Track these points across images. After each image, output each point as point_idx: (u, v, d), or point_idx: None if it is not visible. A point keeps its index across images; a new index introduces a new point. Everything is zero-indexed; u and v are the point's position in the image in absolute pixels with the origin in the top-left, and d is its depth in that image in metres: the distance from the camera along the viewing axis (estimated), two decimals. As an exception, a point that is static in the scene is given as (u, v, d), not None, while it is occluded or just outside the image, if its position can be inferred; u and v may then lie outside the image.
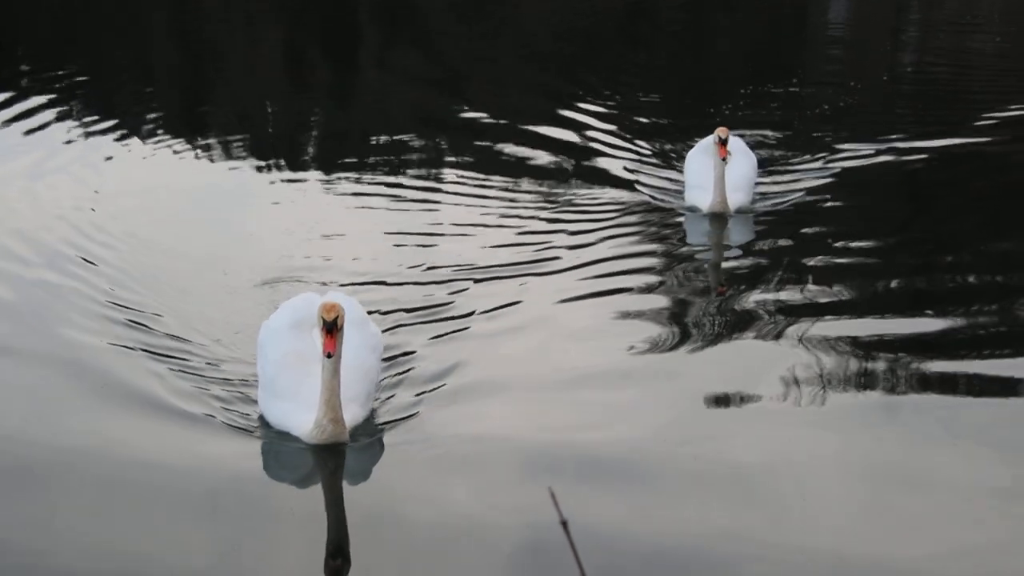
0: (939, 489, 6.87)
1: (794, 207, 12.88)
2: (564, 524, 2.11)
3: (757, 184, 13.09)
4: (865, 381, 8.26)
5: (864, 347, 8.82)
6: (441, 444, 7.41)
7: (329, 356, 7.05)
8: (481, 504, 6.81)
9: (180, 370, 8.36)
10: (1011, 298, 10.08)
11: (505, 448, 7.46)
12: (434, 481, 7.06)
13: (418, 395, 8.03)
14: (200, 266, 10.83)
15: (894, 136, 15.84)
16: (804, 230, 12.17)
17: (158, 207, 12.99)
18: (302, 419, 7.40)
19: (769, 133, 16.16)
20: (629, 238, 11.76)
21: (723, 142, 11.98)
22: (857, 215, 13.00)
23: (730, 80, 21.92)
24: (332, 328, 7.04)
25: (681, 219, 12.58)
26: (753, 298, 10.04)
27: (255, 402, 7.78)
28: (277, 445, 7.45)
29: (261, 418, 7.64)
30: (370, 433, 7.52)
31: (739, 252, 11.74)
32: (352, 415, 7.42)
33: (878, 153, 14.98)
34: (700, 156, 12.74)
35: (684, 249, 11.73)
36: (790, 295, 10.08)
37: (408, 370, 8.42)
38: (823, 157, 14.82)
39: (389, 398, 8.00)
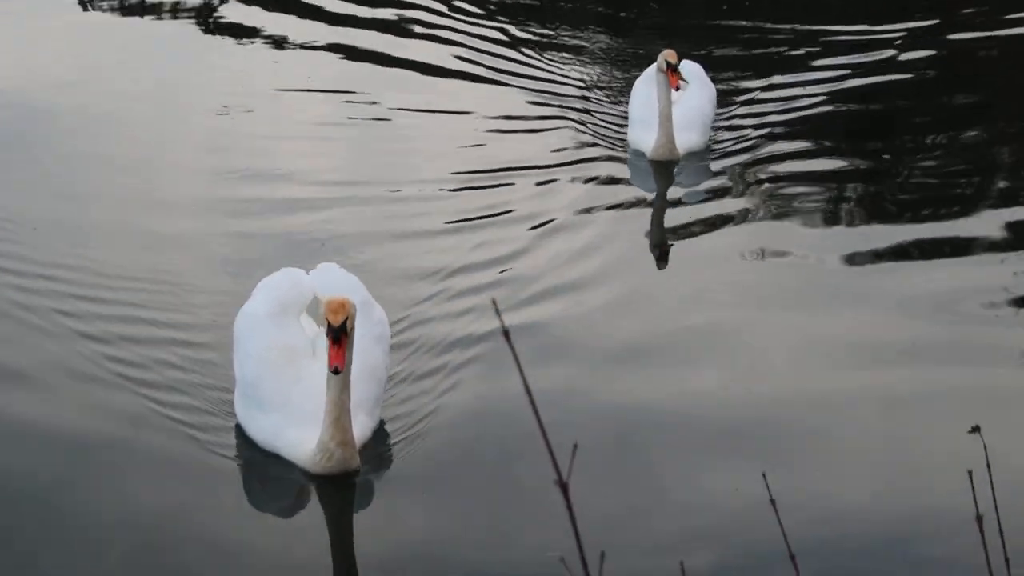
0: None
1: (758, 147, 10.93)
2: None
3: (715, 121, 11.13)
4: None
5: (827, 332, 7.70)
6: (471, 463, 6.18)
7: (336, 372, 5.60)
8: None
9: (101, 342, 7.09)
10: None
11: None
12: (469, 521, 5.79)
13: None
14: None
15: (878, 52, 13.40)
16: (766, 178, 10.37)
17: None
18: (296, 437, 5.92)
19: (730, 51, 13.74)
20: (554, 191, 9.95)
21: (672, 68, 9.92)
22: (831, 155, 11.05)
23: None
24: (340, 335, 5.55)
25: (625, 164, 10.67)
26: (702, 270, 8.67)
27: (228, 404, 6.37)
28: (261, 473, 6.08)
29: (237, 431, 6.21)
30: (383, 456, 6.14)
31: (686, 207, 9.96)
32: (360, 428, 5.94)
33: (860, 73, 12.76)
34: (646, 87, 10.64)
35: (622, 204, 9.84)
36: (744, 266, 8.69)
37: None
38: (796, 84, 12.50)
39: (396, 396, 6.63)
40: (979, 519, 2.02)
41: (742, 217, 9.55)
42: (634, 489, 6.12)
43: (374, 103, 11.98)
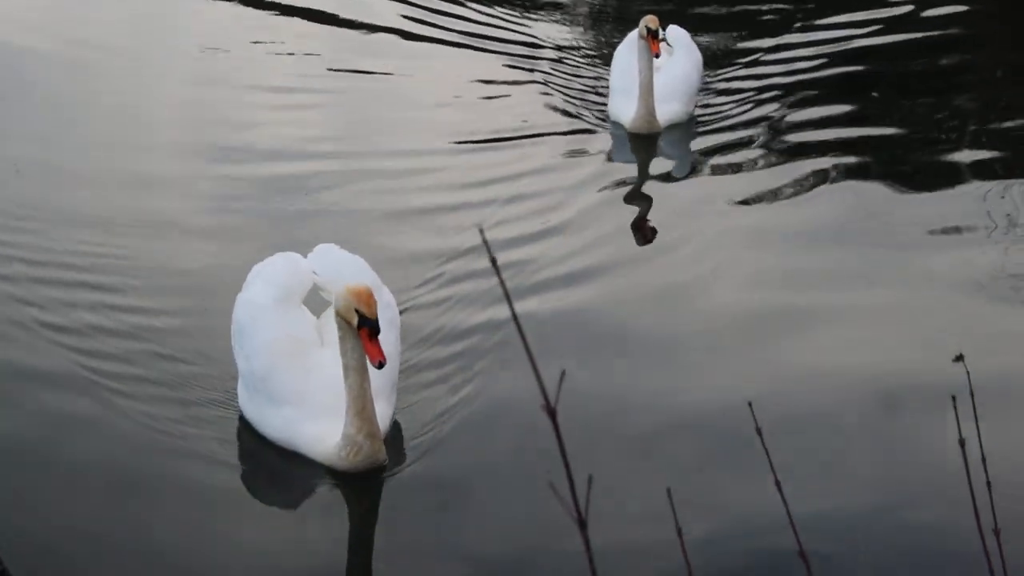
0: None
1: (744, 117, 10.39)
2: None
3: (701, 89, 10.54)
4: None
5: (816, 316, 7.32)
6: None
7: (381, 366, 5.27)
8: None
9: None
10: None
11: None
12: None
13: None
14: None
15: (871, 12, 12.82)
16: (752, 149, 9.80)
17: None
18: (315, 432, 5.60)
19: (718, 11, 13.28)
20: (533, 165, 9.43)
21: (653, 34, 9.38)
22: (824, 125, 10.39)
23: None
24: (377, 328, 5.26)
25: (606, 136, 10.12)
26: (684, 247, 8.21)
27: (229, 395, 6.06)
28: (277, 470, 5.73)
29: (242, 425, 5.87)
30: (407, 446, 5.80)
31: (666, 182, 9.48)
32: (380, 417, 5.60)
33: (853, 36, 12.18)
34: (628, 54, 10.04)
35: (599, 179, 9.28)
36: (728, 244, 8.19)
37: None
38: (787, 47, 12.00)
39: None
40: (961, 443, 2.05)
41: (726, 192, 9.07)
42: (626, 446, 6.04)
43: (344, 69, 11.59)
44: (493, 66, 11.72)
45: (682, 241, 8.29)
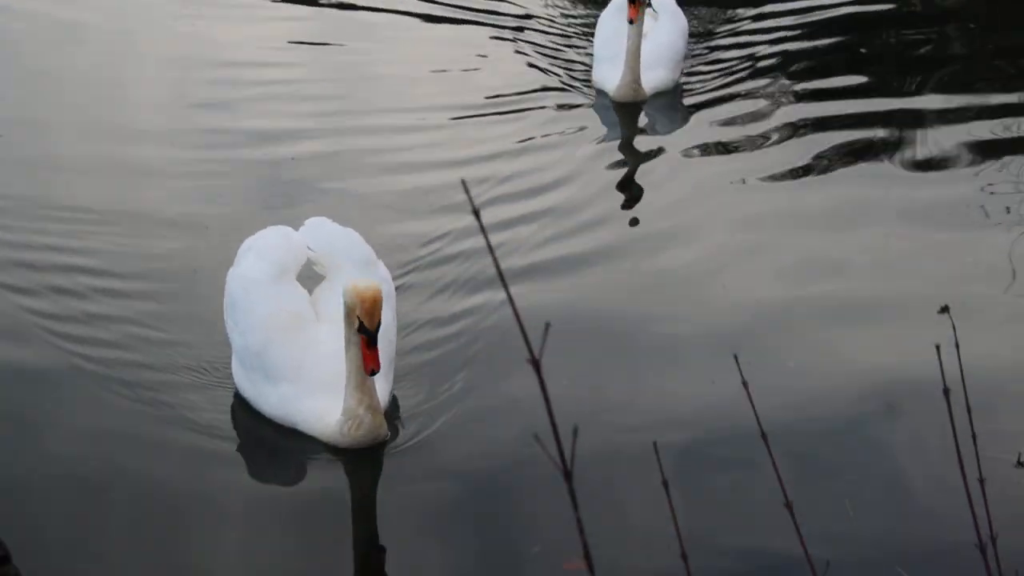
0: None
1: (732, 84, 10.23)
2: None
3: (688, 58, 10.39)
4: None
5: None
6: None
7: (374, 373, 5.28)
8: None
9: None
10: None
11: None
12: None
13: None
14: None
15: None
16: (739, 120, 9.61)
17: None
18: (314, 408, 5.54)
19: None
20: (508, 134, 9.27)
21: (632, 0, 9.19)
22: (815, 98, 10.21)
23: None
24: (374, 340, 5.20)
25: (590, 106, 9.91)
26: (669, 218, 8.07)
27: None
28: (276, 447, 5.64)
29: (236, 402, 5.82)
30: (407, 419, 5.74)
31: (651, 151, 9.22)
32: (380, 392, 5.56)
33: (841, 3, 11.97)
34: (613, 19, 9.92)
35: (582, 148, 9.10)
36: (714, 218, 8.04)
37: None
38: (772, 15, 11.76)
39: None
40: (946, 392, 2.05)
41: (712, 163, 8.97)
42: (610, 379, 6.14)
43: (330, 43, 11.53)
44: (471, 35, 11.55)
45: (667, 212, 8.18)
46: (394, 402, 5.88)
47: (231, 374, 5.97)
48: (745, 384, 2.17)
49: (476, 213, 1.97)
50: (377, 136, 9.33)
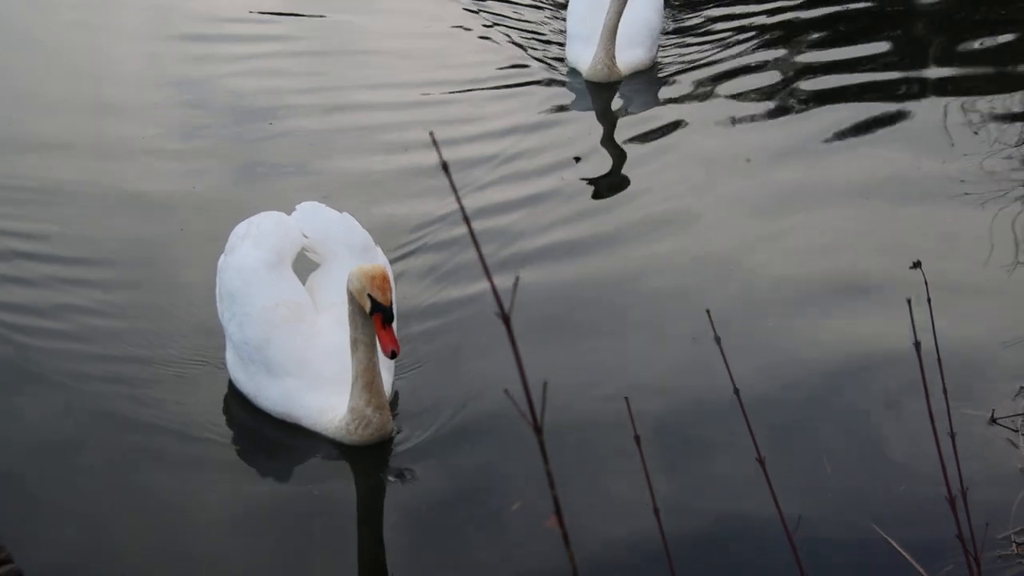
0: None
1: (710, 62, 10.02)
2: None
3: (664, 35, 10.20)
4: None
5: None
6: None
7: (394, 355, 5.00)
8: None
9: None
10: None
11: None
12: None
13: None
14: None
15: None
16: (720, 99, 9.46)
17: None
18: (318, 403, 5.36)
19: None
20: (479, 115, 9.08)
21: None
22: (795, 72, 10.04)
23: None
24: (390, 316, 4.96)
25: (563, 85, 9.66)
26: (644, 204, 7.91)
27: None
28: (278, 444, 5.46)
29: (232, 395, 5.64)
30: (413, 417, 5.56)
31: (627, 134, 8.94)
32: (385, 387, 5.41)
33: None
34: None
35: (553, 131, 8.86)
36: (690, 196, 7.96)
37: None
38: None
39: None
40: (916, 344, 2.06)
41: (689, 144, 8.78)
42: (584, 341, 6.18)
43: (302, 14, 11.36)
44: (441, 10, 11.33)
45: (644, 193, 8.06)
46: (394, 397, 5.73)
47: (223, 363, 5.79)
48: (718, 339, 2.18)
49: (445, 166, 1.96)
50: (333, 118, 9.16)
